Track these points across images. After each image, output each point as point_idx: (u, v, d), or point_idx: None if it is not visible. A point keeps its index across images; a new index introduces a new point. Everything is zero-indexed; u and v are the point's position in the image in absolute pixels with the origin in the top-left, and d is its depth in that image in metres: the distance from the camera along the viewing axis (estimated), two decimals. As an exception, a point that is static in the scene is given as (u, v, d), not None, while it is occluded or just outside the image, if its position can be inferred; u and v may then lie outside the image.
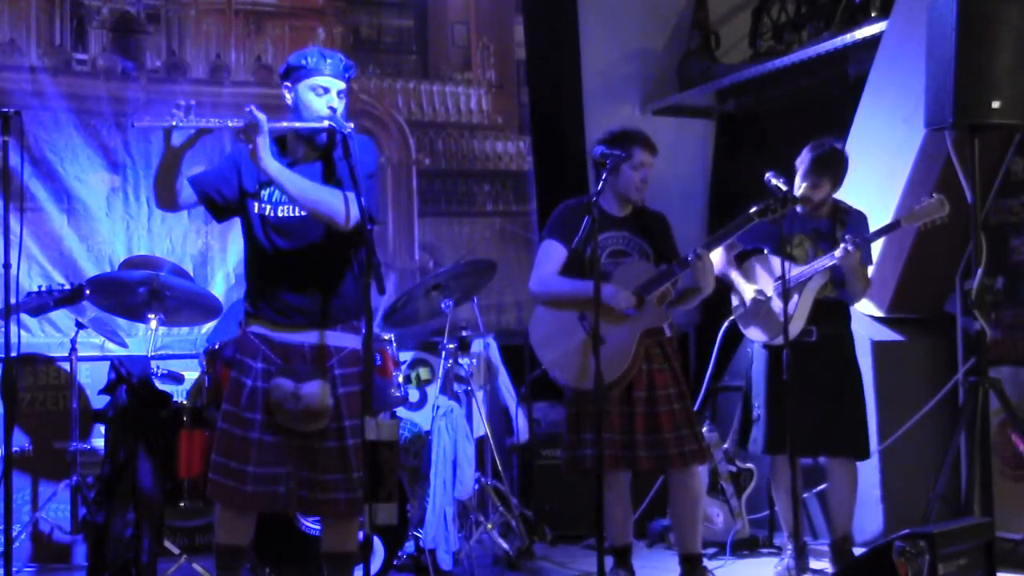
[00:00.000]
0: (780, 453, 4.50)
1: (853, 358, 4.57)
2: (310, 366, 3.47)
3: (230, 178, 3.55)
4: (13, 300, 3.82)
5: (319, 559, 3.64)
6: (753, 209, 4.16)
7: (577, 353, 4.14)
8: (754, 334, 4.59)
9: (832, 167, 4.48)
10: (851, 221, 4.50)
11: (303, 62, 3.48)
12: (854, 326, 4.63)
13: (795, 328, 4.37)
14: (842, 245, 4.28)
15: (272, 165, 3.35)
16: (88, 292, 4.66)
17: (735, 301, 4.67)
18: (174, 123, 3.30)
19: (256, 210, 3.51)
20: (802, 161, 4.50)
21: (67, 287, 4.70)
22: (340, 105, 3.49)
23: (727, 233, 4.22)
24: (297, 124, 3.48)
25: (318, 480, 3.45)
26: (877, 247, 5.04)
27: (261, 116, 3.31)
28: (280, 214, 3.48)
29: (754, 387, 4.64)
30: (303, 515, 4.35)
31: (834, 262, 4.31)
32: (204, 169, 3.60)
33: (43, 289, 4.68)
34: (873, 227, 4.49)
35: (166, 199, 3.50)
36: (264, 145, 3.32)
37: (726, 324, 4.91)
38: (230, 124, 3.33)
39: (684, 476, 4.19)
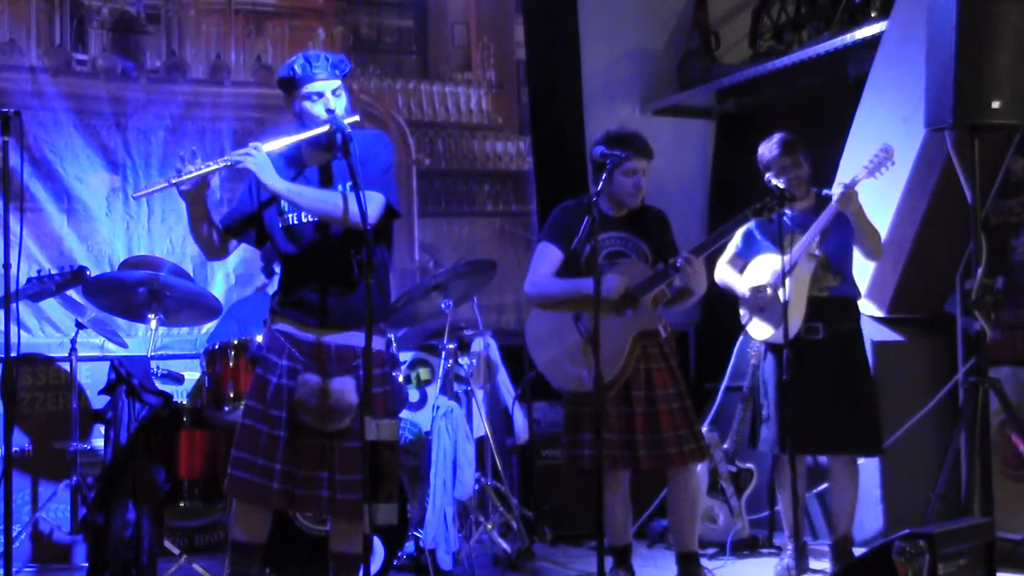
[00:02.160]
0: (787, 451, 4.49)
1: (863, 354, 4.56)
2: (335, 364, 3.49)
3: (248, 203, 3.60)
4: (14, 302, 3.82)
5: (320, 559, 3.65)
6: (748, 209, 4.17)
7: (572, 355, 4.14)
8: (759, 332, 4.58)
9: (799, 146, 4.52)
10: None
11: (292, 73, 3.48)
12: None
13: (794, 323, 4.36)
14: (837, 187, 4.28)
15: (279, 184, 3.38)
16: (89, 274, 4.62)
17: (743, 311, 4.66)
18: (172, 180, 3.34)
19: (281, 224, 3.54)
20: (770, 155, 4.52)
21: (67, 269, 4.63)
22: (338, 103, 3.49)
23: (721, 235, 4.21)
24: (295, 137, 3.48)
25: (339, 481, 3.46)
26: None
27: (256, 145, 3.36)
28: (303, 220, 3.51)
29: (763, 387, 4.64)
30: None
31: (832, 215, 4.31)
32: (228, 209, 3.68)
33: (43, 274, 4.64)
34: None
35: (212, 251, 3.61)
36: (266, 170, 3.35)
37: (742, 334, 4.91)
38: (228, 163, 3.36)
39: (683, 475, 4.19)
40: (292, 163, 3.55)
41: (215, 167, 3.37)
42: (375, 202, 3.39)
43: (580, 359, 4.10)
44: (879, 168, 4.35)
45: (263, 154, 3.38)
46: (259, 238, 3.65)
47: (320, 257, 3.50)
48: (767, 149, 4.55)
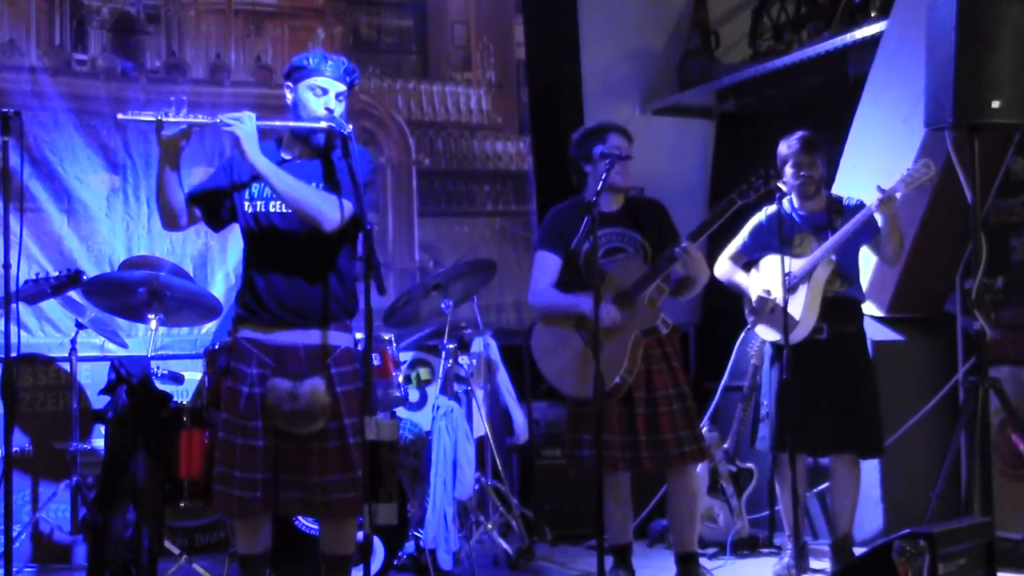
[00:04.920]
0: (787, 451, 4.49)
1: (865, 356, 4.56)
2: (305, 365, 3.48)
3: (221, 182, 3.58)
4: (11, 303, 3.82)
5: (318, 559, 3.64)
6: (735, 192, 4.14)
7: (577, 363, 4.14)
8: (766, 334, 4.58)
9: (819, 146, 4.52)
10: (848, 208, 4.50)
11: (305, 63, 3.51)
12: (856, 325, 4.63)
13: (807, 326, 4.37)
14: (877, 190, 4.25)
15: (259, 160, 3.37)
16: (85, 278, 4.63)
17: (748, 311, 4.66)
18: (160, 117, 3.32)
19: (248, 209, 3.53)
20: (789, 150, 4.52)
21: (63, 273, 4.65)
22: (339, 107, 3.50)
23: (713, 219, 4.16)
24: (292, 123, 3.49)
25: (318, 482, 3.45)
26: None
27: (249, 114, 3.34)
28: (271, 209, 3.50)
29: (764, 385, 4.65)
30: (304, 517, 4.35)
31: (864, 218, 4.30)
32: (199, 183, 3.65)
33: (40, 276, 4.65)
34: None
35: (171, 216, 3.53)
36: (250, 140, 3.33)
37: (743, 333, 4.92)
38: (217, 120, 3.34)
39: (683, 476, 4.19)
40: (267, 152, 3.51)
41: (203, 120, 3.37)
42: (343, 208, 3.40)
43: (585, 366, 4.09)
44: (919, 183, 4.33)
45: (253, 125, 3.36)
46: (217, 221, 3.63)
47: (284, 250, 3.49)
48: (787, 144, 4.55)
